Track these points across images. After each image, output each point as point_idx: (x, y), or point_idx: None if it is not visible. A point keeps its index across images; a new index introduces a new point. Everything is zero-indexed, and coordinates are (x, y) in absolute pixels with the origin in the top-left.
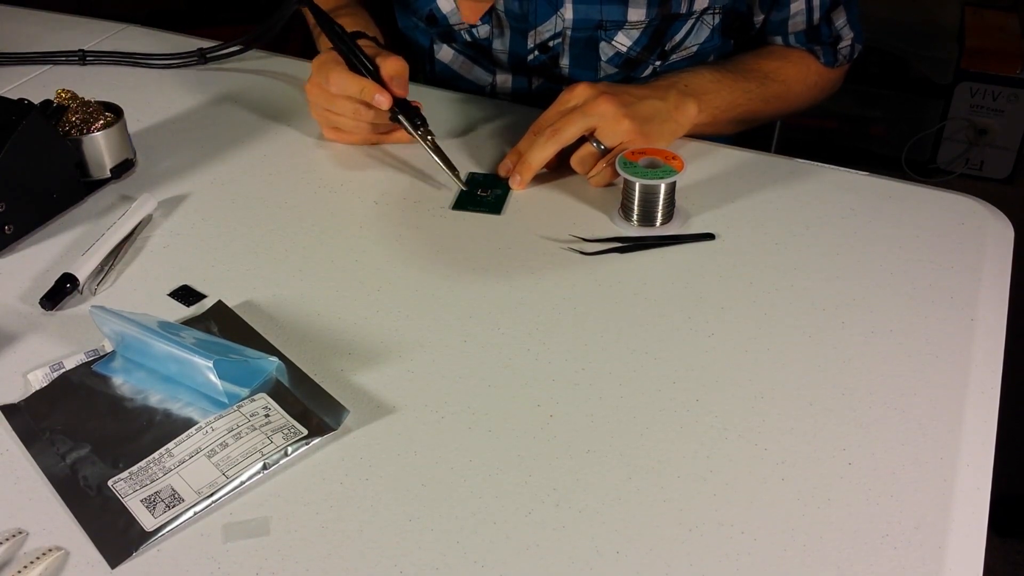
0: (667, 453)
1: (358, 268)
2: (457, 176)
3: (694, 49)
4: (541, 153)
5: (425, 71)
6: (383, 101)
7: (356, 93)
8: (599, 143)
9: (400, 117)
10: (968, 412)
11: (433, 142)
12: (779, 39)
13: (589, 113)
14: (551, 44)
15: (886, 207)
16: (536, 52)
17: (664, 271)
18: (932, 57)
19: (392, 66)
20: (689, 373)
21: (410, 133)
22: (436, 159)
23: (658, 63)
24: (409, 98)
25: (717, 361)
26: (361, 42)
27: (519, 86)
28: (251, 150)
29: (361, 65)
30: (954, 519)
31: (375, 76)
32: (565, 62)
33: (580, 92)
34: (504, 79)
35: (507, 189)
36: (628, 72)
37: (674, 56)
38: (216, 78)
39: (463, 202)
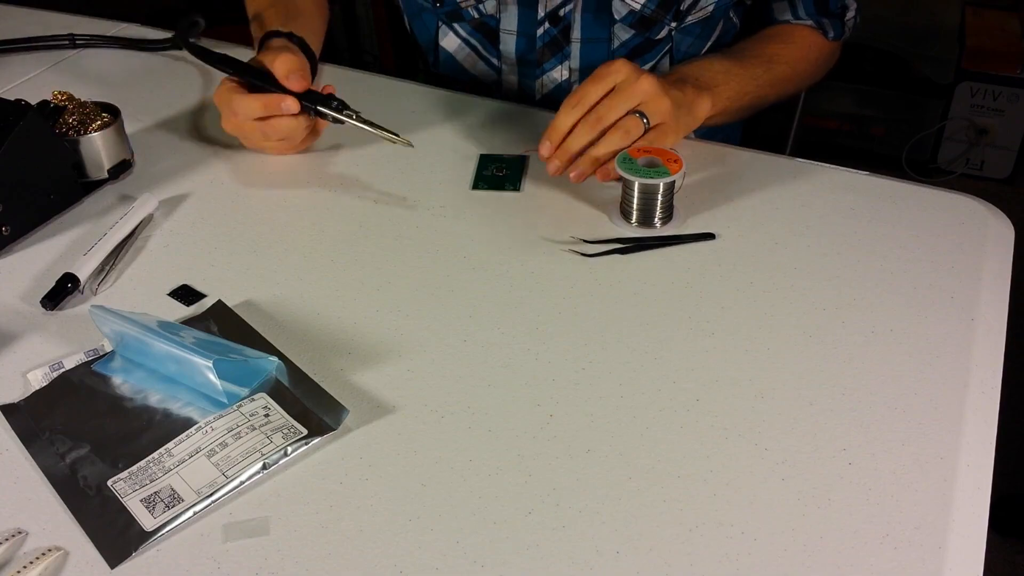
0: (667, 453)
1: (358, 268)
2: (399, 136)
3: (710, 8)
4: (582, 139)
5: (428, 65)
6: (291, 106)
7: (263, 111)
8: (644, 115)
9: (319, 108)
10: (968, 412)
11: (360, 118)
12: (788, 14)
13: (631, 94)
14: (562, 12)
15: (886, 207)
16: (546, 24)
17: (664, 271)
18: (932, 57)
19: (282, 65)
20: (689, 373)
21: (335, 119)
22: (371, 130)
23: (673, 24)
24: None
25: (717, 361)
26: (275, 42)
27: (524, 78)
28: (251, 150)
29: (254, 82)
30: (954, 519)
31: (276, 82)
32: (576, 34)
33: (620, 68)
34: (509, 71)
35: (520, 165)
36: (644, 33)
37: (690, 17)
38: (215, 78)
39: (481, 182)
